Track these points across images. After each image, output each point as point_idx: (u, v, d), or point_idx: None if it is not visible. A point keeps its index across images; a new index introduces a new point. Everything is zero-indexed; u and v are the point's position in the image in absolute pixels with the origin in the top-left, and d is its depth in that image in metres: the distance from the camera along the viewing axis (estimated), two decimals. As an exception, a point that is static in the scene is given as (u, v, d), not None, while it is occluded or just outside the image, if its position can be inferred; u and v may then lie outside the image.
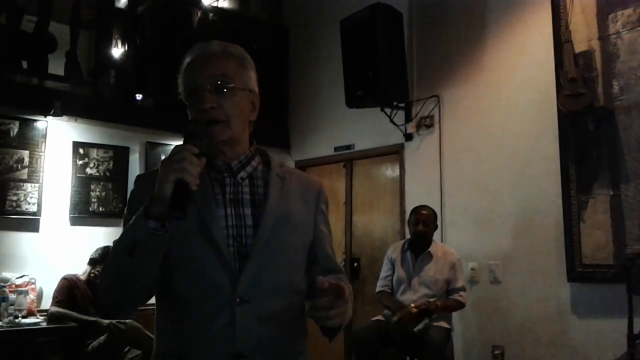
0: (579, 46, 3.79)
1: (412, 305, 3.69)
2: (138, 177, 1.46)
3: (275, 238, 1.32)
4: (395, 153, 4.99)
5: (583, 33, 3.79)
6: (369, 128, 5.09)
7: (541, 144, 3.95)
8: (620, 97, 3.58)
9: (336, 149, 5.46)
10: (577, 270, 3.65)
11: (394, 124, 4.81)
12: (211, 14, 6.21)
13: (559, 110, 3.80)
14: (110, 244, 4.32)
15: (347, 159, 5.46)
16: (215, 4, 7.35)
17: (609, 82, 3.64)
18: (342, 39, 4.76)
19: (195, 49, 1.38)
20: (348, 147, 5.37)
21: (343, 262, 5.21)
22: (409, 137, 4.84)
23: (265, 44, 6.12)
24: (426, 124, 4.70)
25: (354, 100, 4.69)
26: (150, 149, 5.21)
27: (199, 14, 6.20)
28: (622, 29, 3.62)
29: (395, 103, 4.74)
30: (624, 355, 2.54)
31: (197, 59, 1.35)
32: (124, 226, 1.28)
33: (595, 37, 3.74)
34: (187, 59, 1.37)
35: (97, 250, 4.29)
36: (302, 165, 5.89)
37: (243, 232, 1.31)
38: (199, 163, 1.19)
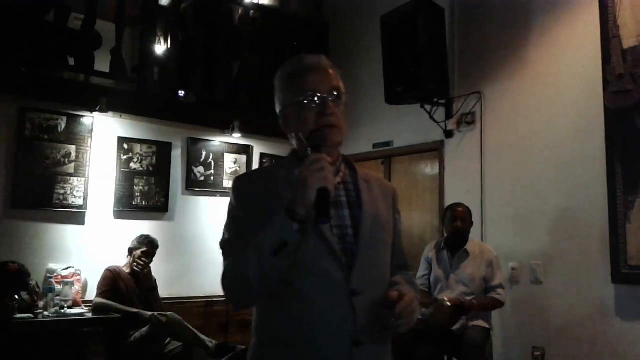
0: (628, 42, 3.67)
1: (446, 299, 3.66)
2: (239, 178, 1.59)
3: (372, 237, 1.46)
4: (435, 150, 4.94)
5: (632, 28, 3.66)
6: (409, 125, 5.05)
7: (586, 142, 3.85)
8: (671, 94, 3.46)
9: (375, 145, 5.44)
10: (623, 271, 3.55)
11: (434, 120, 4.76)
12: (252, 11, 6.26)
13: (605, 107, 3.69)
14: (152, 235, 4.44)
15: (386, 156, 5.43)
16: (256, 1, 7.42)
17: (659, 79, 3.52)
18: (383, 34, 4.74)
19: (309, 58, 1.52)
20: (387, 143, 5.34)
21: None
22: (449, 134, 4.79)
23: (305, 41, 6.15)
24: (467, 120, 4.64)
25: (394, 96, 4.66)
26: (192, 144, 5.31)
27: (240, 11, 6.26)
28: (673, 23, 3.49)
29: (435, 99, 4.69)
30: None
31: (315, 71, 1.49)
32: (231, 221, 1.46)
33: (644, 32, 3.61)
34: (297, 67, 1.51)
35: (134, 240, 4.40)
36: (341, 162, 5.89)
37: (345, 231, 1.45)
38: (332, 171, 1.32)
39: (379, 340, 1.45)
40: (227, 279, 1.38)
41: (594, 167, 3.76)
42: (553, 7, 4.16)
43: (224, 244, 1.45)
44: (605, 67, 3.70)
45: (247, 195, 1.47)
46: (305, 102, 1.45)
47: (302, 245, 1.30)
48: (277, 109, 1.56)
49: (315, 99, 1.44)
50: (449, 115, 4.77)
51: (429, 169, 5.10)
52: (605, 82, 3.68)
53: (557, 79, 4.10)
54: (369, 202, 1.50)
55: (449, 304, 3.62)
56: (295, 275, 1.36)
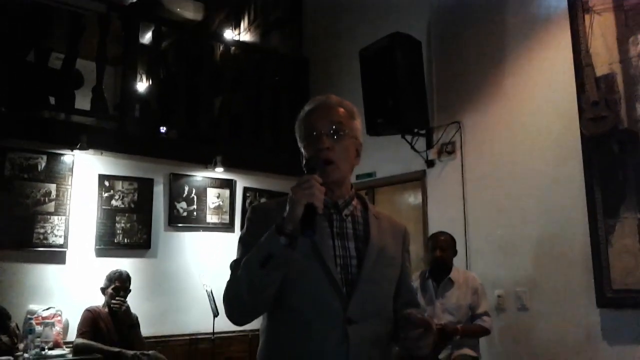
0: (600, 69, 3.76)
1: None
2: (254, 207, 1.65)
3: (375, 270, 1.52)
4: (417, 180, 4.98)
5: (604, 56, 3.77)
6: (391, 155, 5.10)
7: (565, 168, 3.91)
8: (645, 119, 3.54)
9: (358, 176, 5.46)
10: (607, 295, 3.56)
11: (416, 150, 4.81)
12: (233, 48, 6.35)
13: (582, 134, 3.77)
14: (132, 274, 4.38)
15: (369, 187, 5.46)
16: (236, 38, 7.53)
17: (632, 105, 3.60)
18: (362, 68, 4.82)
19: (315, 100, 1.62)
20: (370, 174, 5.37)
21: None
22: (430, 163, 4.83)
23: (286, 76, 6.24)
24: (448, 150, 4.70)
25: (375, 128, 4.71)
26: (174, 180, 5.28)
27: (221, 48, 6.35)
28: (643, 51, 3.60)
29: (416, 130, 4.76)
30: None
31: (318, 108, 1.59)
32: (241, 245, 1.53)
33: (616, 61, 3.71)
34: (307, 108, 1.61)
35: (104, 279, 4.33)
36: (324, 194, 5.90)
37: (349, 262, 1.51)
38: (323, 190, 1.38)
39: None
40: (225, 296, 1.48)
41: (574, 193, 3.80)
42: (527, 38, 4.28)
43: (231, 265, 1.53)
44: (579, 95, 3.78)
45: (257, 224, 1.53)
46: (306, 138, 1.56)
47: (290, 259, 1.36)
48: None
49: (314, 134, 1.54)
50: (429, 145, 4.83)
51: (412, 198, 5.13)
52: (581, 110, 3.75)
53: (534, 108, 4.19)
54: (377, 236, 1.57)
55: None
56: (294, 300, 1.44)
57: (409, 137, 4.77)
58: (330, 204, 1.57)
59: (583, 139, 3.77)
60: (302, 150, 1.59)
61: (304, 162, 1.55)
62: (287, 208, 1.37)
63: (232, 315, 1.51)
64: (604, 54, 3.78)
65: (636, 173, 3.54)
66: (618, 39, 3.72)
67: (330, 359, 1.42)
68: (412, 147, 4.80)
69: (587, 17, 3.87)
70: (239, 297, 1.43)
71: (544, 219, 4.00)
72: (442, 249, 3.90)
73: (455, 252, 4.00)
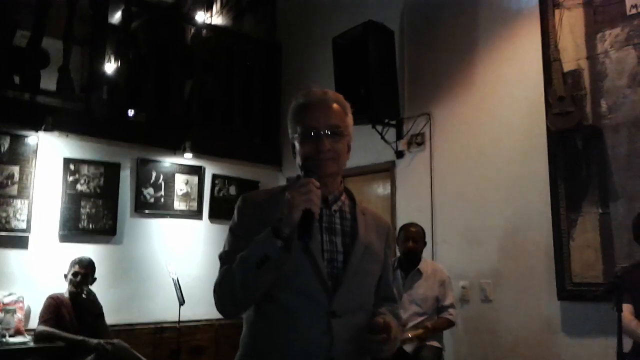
0: (568, 65, 3.81)
1: (409, 332, 3.68)
2: (245, 197, 1.63)
3: (361, 265, 1.55)
4: (386, 170, 4.99)
5: (572, 52, 3.81)
6: (360, 145, 5.03)
7: (531, 162, 3.95)
8: (609, 116, 3.60)
9: (328, 166, 5.46)
10: (567, 288, 3.64)
11: (386, 141, 4.82)
12: (205, 31, 6.24)
13: (548, 129, 3.81)
14: (94, 260, 4.31)
15: (339, 176, 5.44)
16: (208, 21, 7.41)
17: (597, 101, 3.66)
18: (334, 56, 4.79)
19: (312, 95, 1.60)
20: (339, 164, 5.36)
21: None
22: (400, 154, 4.85)
23: (259, 61, 6.16)
24: (417, 141, 4.71)
25: (346, 117, 4.69)
26: (142, 165, 5.20)
27: (192, 31, 6.23)
28: (610, 48, 3.65)
29: (386, 120, 4.76)
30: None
31: (317, 106, 1.57)
32: (232, 236, 1.55)
33: (583, 57, 3.76)
34: (303, 101, 1.59)
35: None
36: (295, 182, 5.87)
37: (335, 256, 1.53)
38: (320, 195, 1.41)
39: None
40: (217, 288, 1.48)
41: (539, 186, 3.86)
42: (498, 32, 4.29)
43: (221, 256, 1.54)
44: (547, 89, 3.83)
45: (248, 215, 1.56)
46: (305, 136, 1.54)
47: (285, 262, 1.38)
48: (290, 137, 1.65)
49: (313, 134, 1.53)
50: (399, 136, 4.84)
51: (381, 189, 5.14)
52: (548, 105, 3.80)
53: (503, 101, 4.22)
54: (364, 233, 1.59)
55: (409, 335, 3.65)
56: (280, 291, 1.46)
57: (379, 128, 4.78)
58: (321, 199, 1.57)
59: (549, 133, 3.82)
60: (297, 144, 1.57)
61: (298, 158, 1.56)
62: (285, 211, 1.37)
63: (223, 308, 1.51)
64: (572, 49, 3.82)
65: (599, 169, 3.60)
66: (586, 35, 3.77)
67: (314, 351, 1.45)
68: (383, 138, 4.80)
69: (557, 12, 3.91)
70: (232, 292, 1.44)
71: (510, 212, 4.05)
72: (414, 240, 3.93)
73: (425, 244, 4.04)
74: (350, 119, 1.62)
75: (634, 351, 2.89)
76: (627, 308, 2.85)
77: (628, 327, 2.81)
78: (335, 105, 1.58)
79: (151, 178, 5.24)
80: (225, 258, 1.51)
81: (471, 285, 4.21)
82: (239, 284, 1.42)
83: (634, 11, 3.56)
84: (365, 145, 5.01)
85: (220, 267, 1.52)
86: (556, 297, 3.69)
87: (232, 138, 5.73)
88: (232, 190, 5.69)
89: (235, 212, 1.60)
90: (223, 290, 1.48)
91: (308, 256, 1.48)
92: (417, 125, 4.73)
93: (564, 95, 3.70)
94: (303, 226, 1.36)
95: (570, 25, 3.84)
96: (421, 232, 4.02)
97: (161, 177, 5.29)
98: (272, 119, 6.05)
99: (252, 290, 1.44)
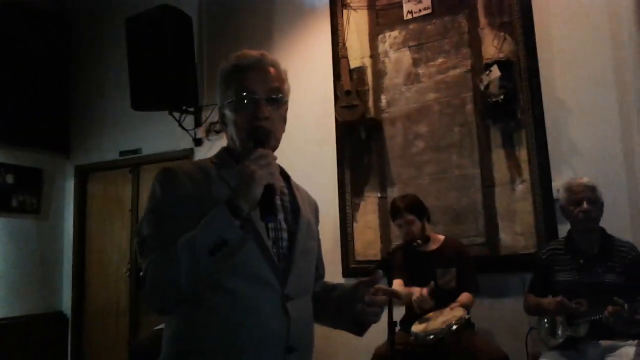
0: (354, 62, 4.14)
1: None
2: (166, 169, 1.37)
3: (305, 243, 1.44)
4: (185, 158, 4.90)
5: (357, 50, 4.15)
6: (158, 132, 4.96)
7: (323, 151, 4.21)
8: (387, 110, 3.99)
9: (122, 153, 5.22)
10: (351, 267, 3.97)
11: (183, 128, 4.75)
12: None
13: (336, 120, 4.10)
14: None
15: (135, 164, 5.24)
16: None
17: (378, 96, 4.03)
18: (128, 38, 4.58)
19: (247, 56, 1.42)
20: (135, 151, 5.16)
21: (128, 272, 4.97)
22: (198, 142, 4.82)
23: (44, 36, 5.61)
24: (216, 129, 4.72)
25: (141, 102, 4.52)
26: None
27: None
28: (389, 49, 4.04)
29: (184, 107, 4.69)
30: (385, 342, 2.78)
31: (253, 68, 1.39)
32: (155, 216, 1.29)
33: (367, 55, 4.12)
34: (236, 63, 1.41)
35: None
36: (84, 171, 5.51)
37: (280, 235, 1.38)
38: (278, 168, 1.28)
39: (308, 347, 1.43)
40: (150, 281, 1.22)
41: (329, 173, 4.13)
42: (293, 25, 4.49)
43: (142, 241, 1.29)
44: (335, 84, 4.12)
45: (175, 189, 1.31)
46: (239, 102, 1.37)
47: (243, 246, 1.20)
48: (218, 104, 1.46)
49: (249, 100, 1.37)
50: (198, 124, 4.80)
51: (180, 177, 5.04)
52: (336, 98, 4.09)
53: (298, 94, 4.31)
54: (303, 208, 1.48)
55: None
56: (227, 277, 1.26)
57: (177, 115, 4.69)
58: None
59: (337, 124, 4.12)
60: (227, 112, 1.40)
61: (232, 128, 1.40)
62: (242, 187, 1.19)
63: (158, 304, 1.27)
64: (357, 48, 4.15)
65: (379, 157, 3.98)
66: (370, 35, 4.12)
67: (272, 339, 1.30)
68: (180, 125, 4.73)
69: (345, 12, 4.22)
70: (173, 284, 1.19)
71: (305, 198, 4.26)
72: None
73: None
74: (288, 86, 1.48)
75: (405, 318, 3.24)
76: (397, 283, 3.19)
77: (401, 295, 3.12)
78: (273, 69, 1.43)
79: None
80: (151, 243, 1.27)
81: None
82: (185, 274, 1.18)
83: (410, 16, 3.99)
84: (163, 132, 4.92)
85: (145, 254, 1.27)
86: (341, 275, 3.98)
87: (7, 121, 5.13)
88: (10, 179, 5.08)
89: (157, 186, 1.34)
90: (159, 283, 1.22)
91: (256, 237, 1.30)
92: (216, 113, 4.71)
93: (351, 90, 4.01)
94: (265, 204, 1.21)
95: (357, 25, 4.17)
96: None
97: None
98: (59, 102, 5.56)
99: (201, 280, 1.21)
